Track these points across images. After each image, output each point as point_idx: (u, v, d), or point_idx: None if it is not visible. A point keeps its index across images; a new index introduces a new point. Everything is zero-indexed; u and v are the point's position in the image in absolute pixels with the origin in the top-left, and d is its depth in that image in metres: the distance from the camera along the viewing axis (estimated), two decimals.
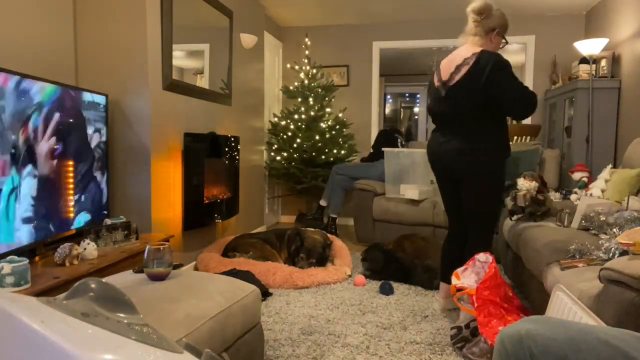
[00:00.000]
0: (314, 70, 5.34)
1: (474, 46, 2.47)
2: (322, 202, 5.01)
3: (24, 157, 2.08)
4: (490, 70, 2.32)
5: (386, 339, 2.41)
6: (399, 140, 5.39)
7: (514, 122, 5.52)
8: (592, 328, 1.07)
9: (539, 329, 1.05)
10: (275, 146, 5.30)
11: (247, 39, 4.34)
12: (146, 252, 1.79)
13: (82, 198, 2.55)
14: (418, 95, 10.27)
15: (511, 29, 5.29)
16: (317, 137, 5.14)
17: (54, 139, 2.28)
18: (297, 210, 5.71)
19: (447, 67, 2.51)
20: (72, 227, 2.47)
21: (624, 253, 1.89)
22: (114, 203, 2.95)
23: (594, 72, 4.26)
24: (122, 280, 1.81)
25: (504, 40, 2.56)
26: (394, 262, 3.42)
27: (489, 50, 2.43)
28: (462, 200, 2.56)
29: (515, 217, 3.18)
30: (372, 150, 5.45)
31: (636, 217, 2.31)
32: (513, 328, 1.09)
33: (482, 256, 2.34)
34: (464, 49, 2.49)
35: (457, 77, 2.43)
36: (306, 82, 5.30)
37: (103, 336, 0.58)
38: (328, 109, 5.36)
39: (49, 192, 2.26)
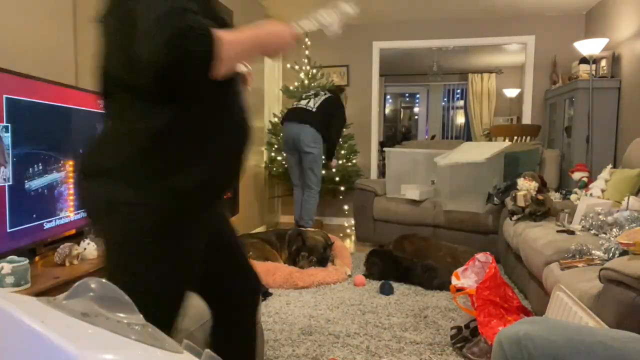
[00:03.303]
0: (314, 71, 5.34)
1: None
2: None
3: (23, 156, 2.08)
4: None
5: (386, 339, 2.41)
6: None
7: None
8: (591, 329, 1.07)
9: (537, 331, 1.05)
10: (276, 146, 5.30)
11: None
12: None
13: None
14: (418, 95, 10.27)
15: (511, 29, 5.37)
16: None
17: (54, 139, 2.28)
18: None
19: None
20: (72, 227, 2.47)
21: (624, 253, 1.89)
22: None
23: (594, 72, 4.25)
24: None
25: None
26: (394, 263, 3.42)
27: None
28: None
29: (515, 217, 3.18)
30: None
31: (636, 217, 2.32)
32: (511, 330, 1.09)
33: (482, 256, 2.34)
34: None
35: None
36: (306, 82, 5.30)
37: (103, 336, 0.58)
38: None
39: (49, 191, 2.26)
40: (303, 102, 4.54)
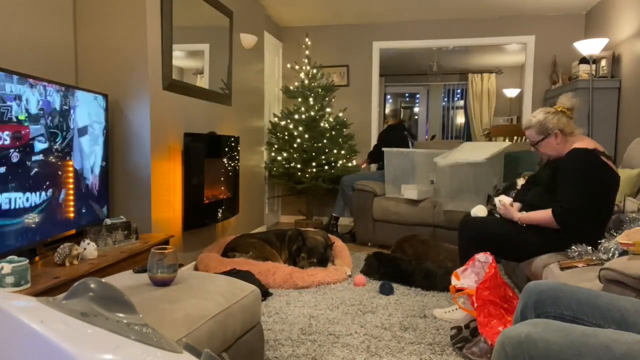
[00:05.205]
0: (314, 70, 5.34)
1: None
2: (335, 213, 5.09)
3: (24, 155, 2.08)
4: None
5: (386, 339, 2.41)
6: (409, 140, 5.37)
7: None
8: (594, 331, 1.06)
9: (540, 332, 1.04)
10: (276, 146, 5.30)
11: (247, 39, 4.34)
12: (150, 256, 1.71)
13: (82, 198, 2.55)
14: (418, 95, 10.27)
15: (511, 29, 5.37)
16: (317, 137, 5.13)
17: (53, 139, 2.28)
18: (297, 210, 5.71)
19: None
20: (72, 227, 2.47)
21: (623, 253, 1.89)
22: (114, 203, 2.95)
23: (594, 72, 4.25)
24: (122, 280, 1.81)
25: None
26: (393, 265, 3.40)
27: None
28: None
29: None
30: (372, 150, 5.44)
31: (634, 218, 2.31)
32: (514, 331, 1.09)
33: (482, 256, 2.34)
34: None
35: None
36: (306, 82, 5.30)
37: (103, 336, 0.58)
38: (328, 109, 5.36)
39: (48, 191, 2.26)
40: None
